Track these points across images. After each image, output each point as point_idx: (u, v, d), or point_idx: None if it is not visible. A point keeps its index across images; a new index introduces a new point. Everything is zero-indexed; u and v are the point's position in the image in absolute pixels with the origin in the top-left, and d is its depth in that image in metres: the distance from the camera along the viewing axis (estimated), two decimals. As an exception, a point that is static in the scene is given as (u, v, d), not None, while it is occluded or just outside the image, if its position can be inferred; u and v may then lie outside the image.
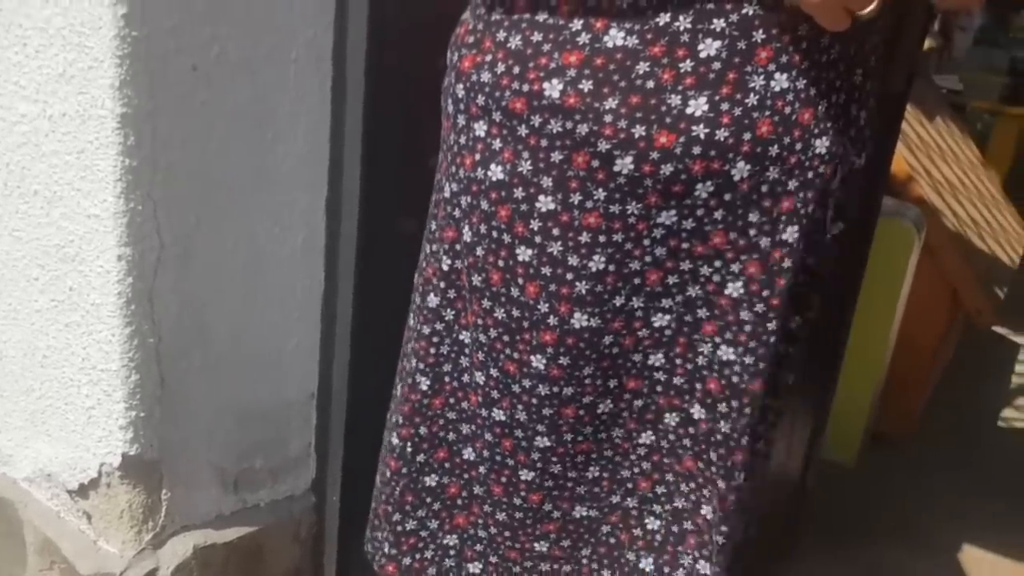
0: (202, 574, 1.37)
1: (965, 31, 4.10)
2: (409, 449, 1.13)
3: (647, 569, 1.11)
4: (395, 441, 1.16)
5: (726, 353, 0.98)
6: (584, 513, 1.07)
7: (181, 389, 1.30)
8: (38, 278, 1.29)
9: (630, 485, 1.08)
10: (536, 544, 1.09)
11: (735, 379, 0.99)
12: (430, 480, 1.14)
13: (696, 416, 1.02)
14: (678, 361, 1.00)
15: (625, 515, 1.09)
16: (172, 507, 1.34)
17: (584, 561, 1.10)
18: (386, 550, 1.18)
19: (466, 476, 1.11)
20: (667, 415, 1.03)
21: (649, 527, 1.10)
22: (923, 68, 3.03)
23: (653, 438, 1.05)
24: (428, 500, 1.15)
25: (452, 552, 1.17)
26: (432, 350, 1.09)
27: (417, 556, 1.17)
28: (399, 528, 1.16)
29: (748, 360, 0.99)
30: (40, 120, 1.21)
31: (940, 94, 3.44)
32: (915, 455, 2.39)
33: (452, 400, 1.10)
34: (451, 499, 1.14)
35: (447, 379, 1.09)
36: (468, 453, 1.10)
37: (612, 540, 1.11)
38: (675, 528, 1.09)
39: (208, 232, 1.26)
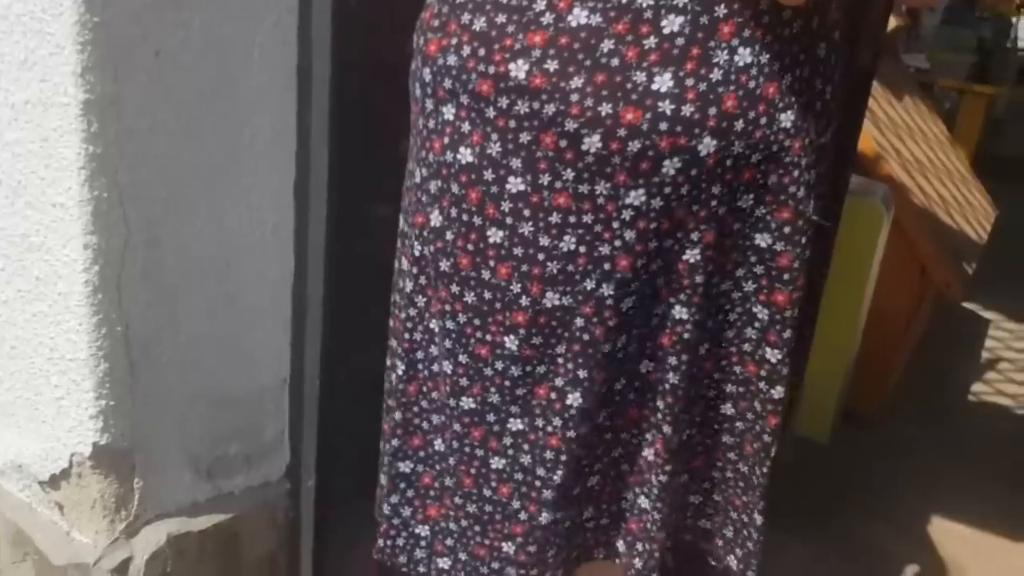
0: (177, 562, 1.37)
1: (933, 10, 4.13)
2: (386, 432, 1.14)
3: (587, 515, 1.12)
4: (384, 427, 1.16)
5: (680, 312, 0.99)
6: (549, 518, 1.07)
7: (152, 377, 1.29)
8: (4, 268, 1.28)
9: (586, 469, 1.08)
10: (504, 544, 1.09)
11: (686, 336, 1.00)
12: (404, 467, 1.15)
13: (643, 370, 1.03)
14: (635, 332, 1.01)
15: (578, 497, 1.10)
16: (145, 496, 1.33)
17: (550, 560, 1.11)
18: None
19: (438, 467, 1.12)
20: (616, 383, 1.04)
21: (589, 484, 1.10)
22: (891, 46, 3.05)
23: (605, 412, 1.05)
24: (402, 487, 1.15)
25: (423, 543, 1.17)
26: (407, 335, 1.09)
27: (389, 543, 1.18)
28: (379, 508, 1.17)
29: (699, 317, 1.00)
30: (2, 108, 1.19)
31: (908, 73, 3.47)
32: (887, 431, 2.41)
33: (424, 388, 1.10)
34: (424, 488, 1.14)
35: (420, 366, 1.10)
36: (438, 444, 1.10)
37: (570, 525, 1.11)
38: (612, 473, 1.10)
39: (176, 218, 1.25)
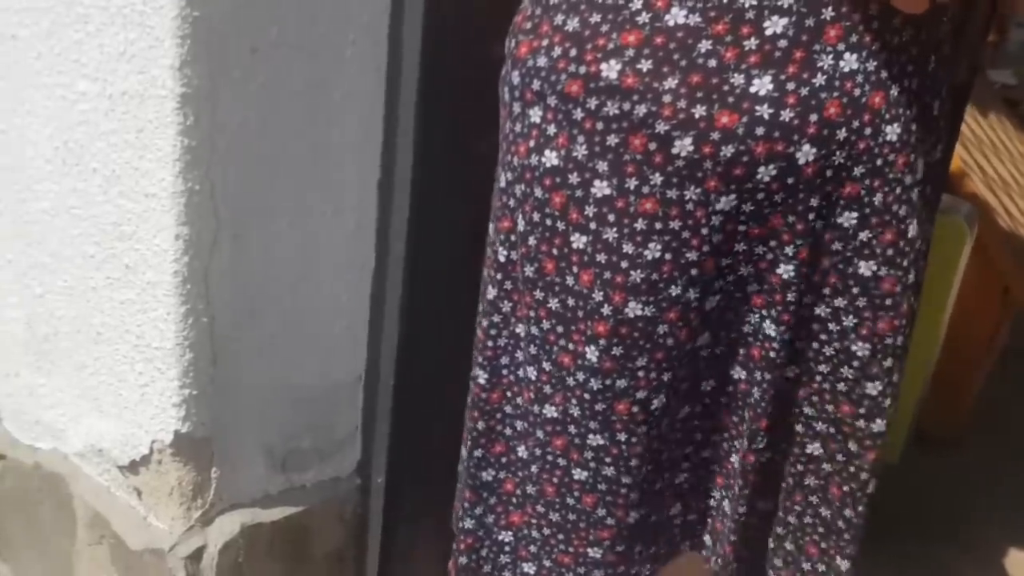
0: (248, 552, 1.38)
1: (1021, 26, 4.03)
2: (468, 444, 1.13)
3: (675, 512, 1.11)
4: (464, 436, 1.15)
5: (769, 328, 0.97)
6: (636, 516, 1.06)
7: (233, 368, 1.30)
8: (94, 255, 1.30)
9: (667, 463, 1.07)
10: (590, 550, 1.07)
11: (771, 354, 0.98)
12: (487, 475, 1.13)
13: (735, 376, 1.01)
14: (722, 333, 0.99)
15: (662, 493, 1.10)
16: (221, 485, 1.35)
17: (636, 556, 1.09)
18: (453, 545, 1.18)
19: (520, 474, 1.10)
20: (704, 383, 1.02)
21: (677, 482, 1.09)
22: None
23: (688, 410, 1.04)
24: (485, 495, 1.14)
25: (507, 548, 1.16)
26: (490, 343, 1.08)
27: (474, 556, 1.16)
28: (459, 525, 1.16)
29: (788, 337, 0.97)
30: (100, 99, 1.21)
31: (994, 89, 3.38)
32: (961, 455, 2.35)
33: (509, 394, 1.09)
34: (507, 495, 1.13)
35: (504, 372, 1.08)
36: (521, 451, 1.09)
37: (656, 520, 1.11)
38: (702, 472, 1.09)
39: (263, 213, 1.26)
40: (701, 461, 1.08)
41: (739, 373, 1.01)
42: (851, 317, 0.95)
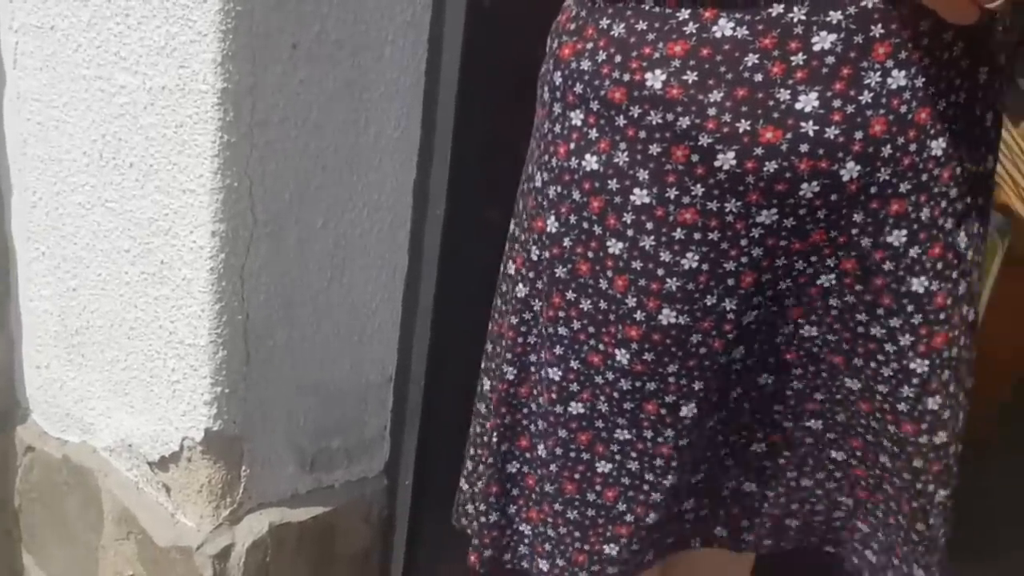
0: (276, 552, 1.37)
1: (1053, 35, 4.00)
2: (495, 438, 1.12)
3: (687, 507, 1.11)
4: (479, 430, 1.15)
5: (808, 331, 0.97)
6: (655, 518, 1.05)
7: (265, 367, 1.30)
8: (129, 250, 1.30)
9: (695, 477, 1.07)
10: (606, 546, 1.07)
11: (815, 349, 0.98)
12: (511, 467, 1.14)
13: (761, 383, 1.01)
14: (755, 346, 0.98)
15: (696, 507, 1.10)
16: (250, 484, 1.34)
17: (647, 559, 1.10)
18: (472, 539, 1.18)
19: (539, 472, 1.10)
20: (732, 391, 1.01)
21: (692, 480, 1.09)
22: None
23: (716, 417, 1.03)
24: (509, 487, 1.14)
25: (526, 540, 1.16)
26: (520, 339, 1.08)
27: (497, 549, 1.17)
28: (483, 519, 1.15)
29: (831, 337, 0.97)
30: (139, 92, 1.21)
31: (1025, 98, 3.35)
32: (995, 465, 2.33)
33: (535, 391, 1.09)
34: (528, 490, 1.13)
35: (532, 368, 1.08)
36: (541, 449, 1.09)
37: (684, 528, 1.11)
38: (716, 469, 1.08)
39: (299, 211, 1.25)
40: (717, 459, 1.08)
41: (766, 379, 1.01)
42: (908, 336, 0.93)
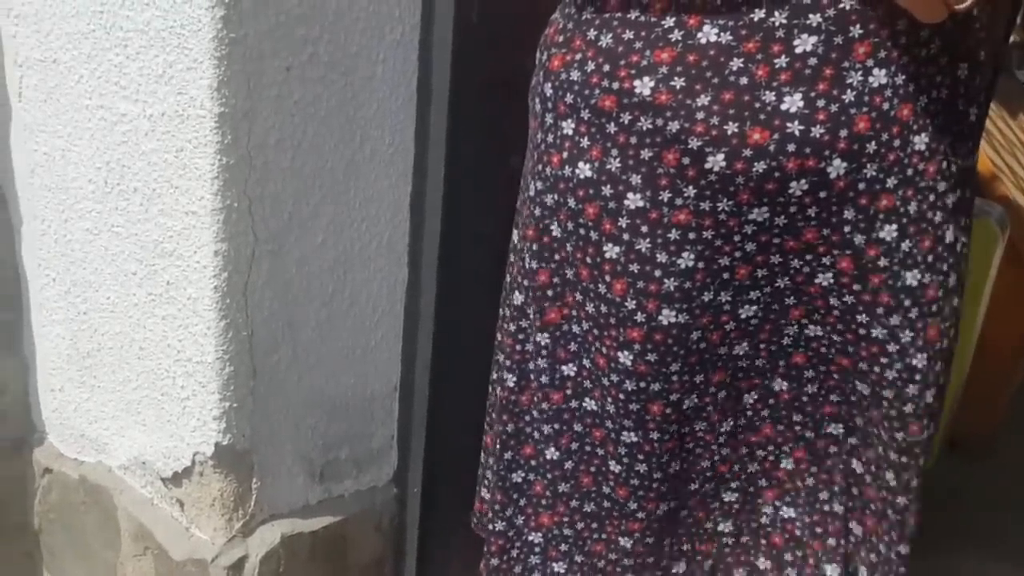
0: (289, 562, 1.40)
1: (1049, 26, 3.99)
2: (498, 447, 1.15)
3: (725, 531, 1.13)
4: (487, 440, 1.17)
5: (813, 331, 0.99)
6: (666, 508, 1.08)
7: (271, 381, 1.33)
8: (136, 272, 1.33)
9: (709, 473, 1.09)
10: (621, 539, 1.10)
11: (823, 350, 1.00)
12: (517, 476, 1.16)
13: (776, 388, 1.03)
14: (762, 346, 1.01)
15: (703, 497, 1.11)
16: (262, 496, 1.37)
17: (665, 549, 1.12)
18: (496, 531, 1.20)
19: (550, 475, 1.12)
20: (746, 395, 1.04)
21: (726, 500, 1.11)
22: (1006, 63, 2.96)
23: (732, 423, 1.06)
24: (515, 497, 1.16)
25: (537, 550, 1.18)
26: (518, 347, 1.11)
27: (504, 557, 1.19)
28: (489, 528, 1.18)
29: (836, 338, 0.99)
30: (140, 120, 1.25)
31: (1023, 90, 3.35)
32: (994, 461, 2.33)
33: (536, 398, 1.11)
34: (536, 497, 1.15)
35: (531, 376, 1.11)
36: (551, 453, 1.11)
37: (690, 519, 1.13)
38: (751, 489, 1.10)
39: (299, 228, 1.29)
40: (748, 477, 1.09)
41: (780, 384, 1.03)
42: (908, 332, 0.95)
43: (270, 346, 1.31)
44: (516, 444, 1.14)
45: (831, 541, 1.10)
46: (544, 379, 1.08)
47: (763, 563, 1.13)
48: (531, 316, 1.08)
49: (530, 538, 1.17)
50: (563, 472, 1.10)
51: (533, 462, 1.14)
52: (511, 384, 1.12)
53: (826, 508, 1.09)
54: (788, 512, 1.09)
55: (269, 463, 1.37)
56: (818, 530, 1.09)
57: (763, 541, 1.12)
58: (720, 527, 1.11)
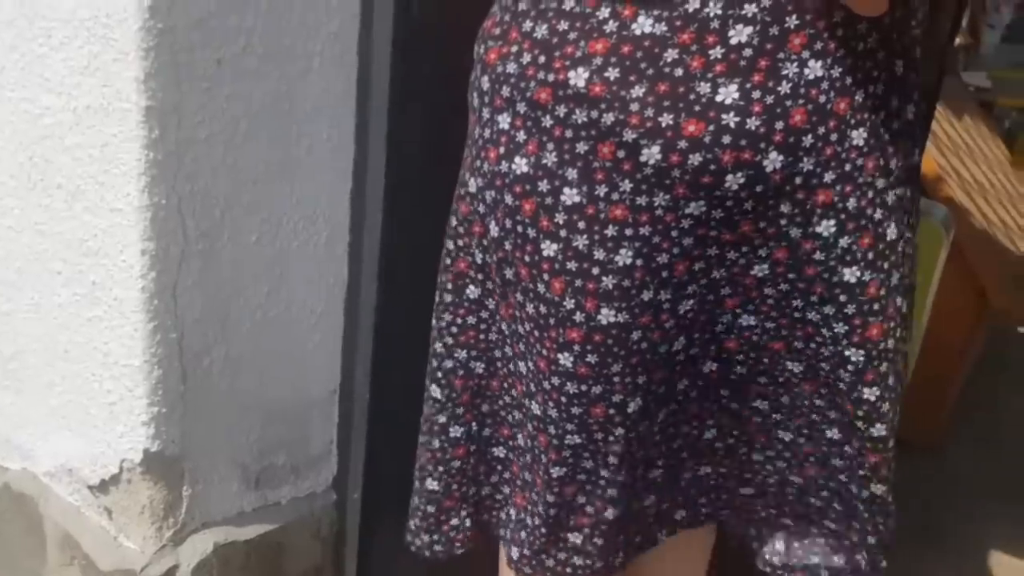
0: (222, 571, 1.36)
1: (993, 28, 4.06)
2: (475, 427, 1.13)
3: (681, 517, 1.15)
4: (457, 433, 1.14)
5: (747, 320, 0.98)
6: (616, 514, 1.06)
7: (203, 385, 1.29)
8: (60, 272, 1.29)
9: (652, 473, 1.09)
10: (570, 535, 1.09)
11: (755, 338, 0.99)
12: (499, 451, 1.15)
13: (706, 370, 1.02)
14: (695, 336, 1.00)
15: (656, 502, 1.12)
16: (193, 504, 1.33)
17: (613, 551, 1.11)
18: (466, 529, 1.18)
19: (521, 460, 1.12)
20: (679, 383, 1.03)
21: (651, 476, 1.10)
22: (951, 65, 3.00)
23: (665, 410, 1.05)
24: (499, 468, 1.16)
25: (511, 525, 1.17)
26: (482, 336, 1.09)
27: (494, 513, 1.19)
28: (477, 497, 1.17)
29: (770, 325, 0.98)
30: (64, 113, 1.20)
31: (968, 92, 3.40)
32: (941, 459, 2.35)
33: (506, 384, 1.10)
34: (514, 476, 1.14)
35: (499, 363, 1.10)
36: (520, 439, 1.10)
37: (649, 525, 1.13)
38: (672, 461, 1.10)
39: (232, 227, 1.25)
40: (671, 451, 1.09)
41: (710, 366, 1.03)
42: (841, 324, 0.95)
43: (201, 348, 1.27)
44: (493, 423, 1.13)
45: (748, 476, 1.12)
46: (512, 366, 1.07)
47: (680, 514, 1.15)
48: (491, 307, 1.07)
49: (510, 512, 1.16)
50: (527, 463, 1.10)
51: (511, 443, 1.14)
52: (480, 371, 1.11)
53: (743, 458, 1.10)
54: (704, 470, 1.11)
55: (201, 469, 1.33)
56: (735, 472, 1.11)
57: (680, 498, 1.13)
58: (645, 501, 1.11)
